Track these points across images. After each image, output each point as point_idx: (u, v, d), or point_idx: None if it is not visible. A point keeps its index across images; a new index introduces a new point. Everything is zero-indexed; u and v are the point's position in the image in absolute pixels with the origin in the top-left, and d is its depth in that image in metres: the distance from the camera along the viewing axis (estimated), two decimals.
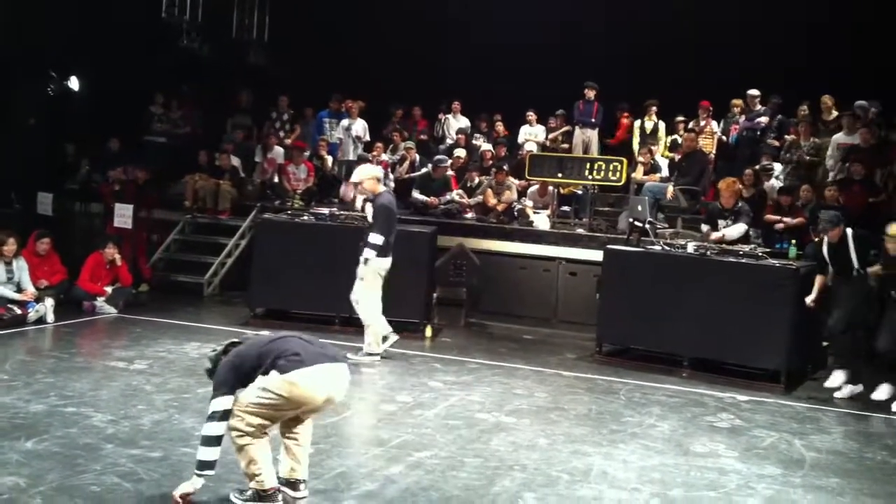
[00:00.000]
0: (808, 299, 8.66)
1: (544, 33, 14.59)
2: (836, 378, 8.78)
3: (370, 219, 9.02)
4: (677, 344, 9.25)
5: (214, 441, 4.82)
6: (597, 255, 10.56)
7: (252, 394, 4.77)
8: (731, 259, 9.20)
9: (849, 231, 8.50)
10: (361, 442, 6.25)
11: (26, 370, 7.61)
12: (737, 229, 9.84)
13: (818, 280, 8.73)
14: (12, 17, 13.40)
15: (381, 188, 9.11)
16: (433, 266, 10.90)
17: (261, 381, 4.76)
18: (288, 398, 4.74)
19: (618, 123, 14.42)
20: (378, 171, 9.54)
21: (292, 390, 4.72)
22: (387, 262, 8.94)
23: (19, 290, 9.75)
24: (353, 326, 10.12)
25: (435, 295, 10.99)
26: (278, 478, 4.96)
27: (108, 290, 10.64)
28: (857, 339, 8.63)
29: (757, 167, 12.17)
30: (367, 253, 8.78)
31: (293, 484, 5.04)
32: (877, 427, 7.79)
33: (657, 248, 9.73)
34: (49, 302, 9.78)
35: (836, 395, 8.60)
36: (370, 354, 8.89)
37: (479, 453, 6.16)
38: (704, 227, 10.22)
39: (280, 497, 4.90)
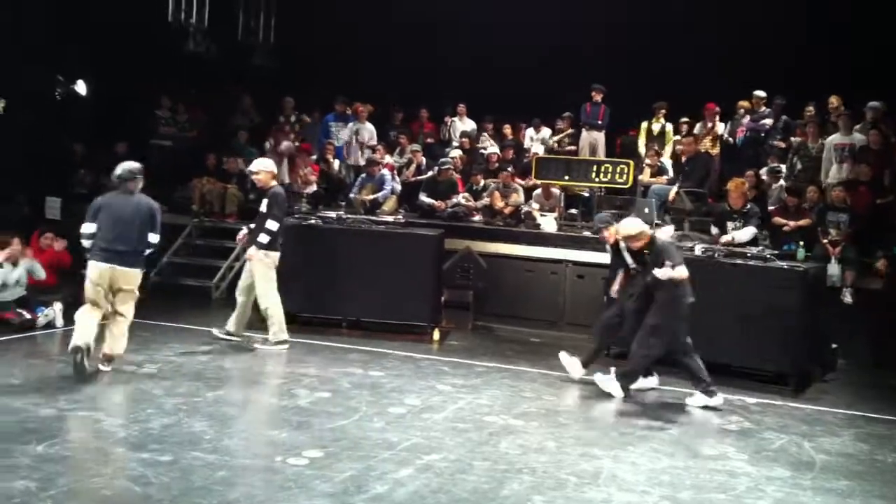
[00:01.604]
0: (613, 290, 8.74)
1: (550, 35, 14.58)
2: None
3: (263, 209, 9.27)
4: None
5: None
6: (604, 258, 10.51)
7: None
8: (740, 261, 9.19)
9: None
10: (371, 445, 6.25)
11: (36, 374, 7.65)
12: (746, 232, 9.83)
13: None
14: (19, 22, 13.47)
15: (273, 182, 9.45)
16: (440, 269, 10.90)
17: None
18: None
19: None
20: (273, 166, 9.76)
21: None
22: (277, 255, 9.25)
23: (30, 290, 9.79)
24: (361, 329, 10.17)
25: (442, 298, 10.99)
26: None
27: None
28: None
29: (764, 169, 12.16)
30: (262, 238, 9.06)
31: None
32: (887, 429, 7.75)
33: None
34: (58, 306, 9.80)
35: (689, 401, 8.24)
36: (279, 343, 9.12)
37: (487, 456, 6.16)
38: (714, 230, 10.21)
39: None
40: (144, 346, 9.08)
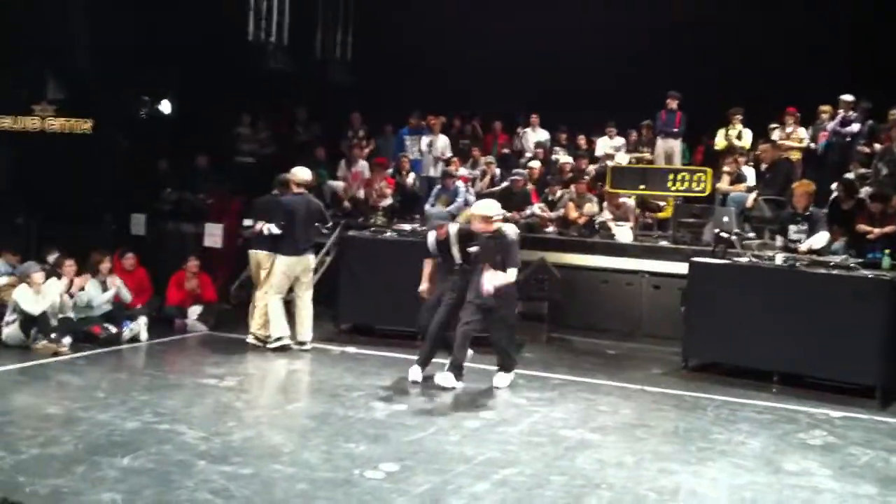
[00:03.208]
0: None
1: (622, 42, 14.49)
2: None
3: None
4: (766, 358, 9.03)
5: None
6: (681, 268, 10.39)
7: None
8: (822, 270, 8.97)
9: (453, 227, 8.54)
10: (447, 459, 6.27)
11: (122, 388, 7.88)
12: (819, 239, 9.60)
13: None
14: (104, 43, 13.94)
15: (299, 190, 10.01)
16: (515, 280, 10.86)
17: None
18: None
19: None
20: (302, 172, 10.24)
21: None
22: (291, 261, 9.76)
23: (116, 307, 10.12)
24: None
25: (517, 310, 10.96)
26: None
27: (199, 308, 10.95)
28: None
29: (852, 176, 11.84)
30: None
31: None
32: None
33: (744, 259, 9.54)
34: (143, 320, 10.11)
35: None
36: (279, 339, 9.69)
37: (564, 471, 6.13)
38: (779, 241, 10.02)
39: None
40: (225, 359, 9.31)
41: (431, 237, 8.59)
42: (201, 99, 14.97)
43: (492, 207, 8.18)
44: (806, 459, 6.68)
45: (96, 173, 13.72)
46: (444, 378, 8.20)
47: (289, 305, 9.95)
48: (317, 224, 10.23)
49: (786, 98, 13.12)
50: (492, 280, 7.84)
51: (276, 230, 9.76)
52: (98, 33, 13.96)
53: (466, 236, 8.33)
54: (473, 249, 8.13)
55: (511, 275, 7.95)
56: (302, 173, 10.10)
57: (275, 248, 9.85)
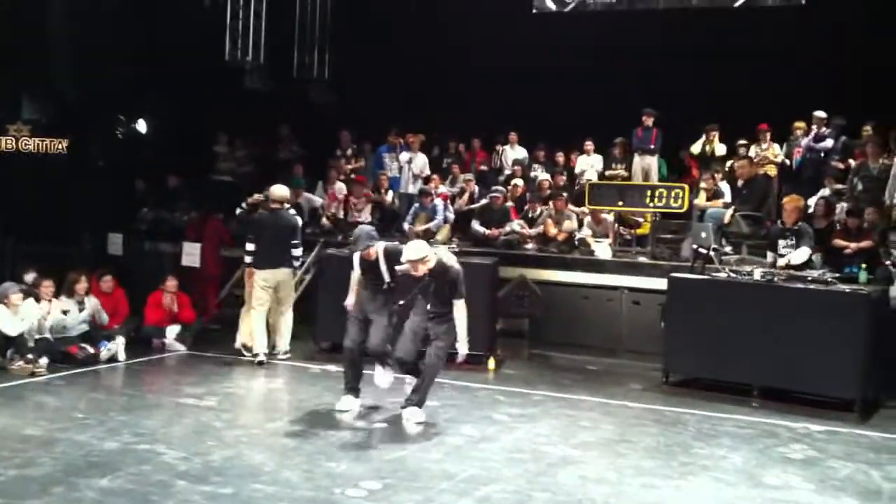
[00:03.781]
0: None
1: (600, 60, 14.61)
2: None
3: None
4: (746, 373, 9.08)
5: None
6: (661, 284, 10.44)
7: None
8: (800, 285, 9.04)
9: (380, 246, 8.00)
10: (429, 476, 6.24)
11: (100, 408, 7.81)
12: (800, 255, 9.68)
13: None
14: (82, 63, 13.90)
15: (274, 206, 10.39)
16: (495, 297, 10.89)
17: None
18: None
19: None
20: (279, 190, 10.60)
21: None
22: (265, 274, 10.13)
23: (92, 327, 10.03)
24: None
25: (497, 326, 10.97)
26: None
27: (177, 327, 10.87)
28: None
29: (827, 192, 11.96)
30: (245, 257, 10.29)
31: None
32: None
33: (723, 275, 9.60)
34: (120, 340, 10.03)
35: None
36: (256, 354, 10.01)
37: (546, 487, 6.12)
38: (770, 256, 10.07)
39: None
40: (205, 378, 9.25)
41: (356, 257, 8.10)
42: (178, 118, 14.93)
43: (420, 249, 7.59)
44: (787, 473, 6.71)
45: (73, 193, 13.64)
46: (414, 414, 7.75)
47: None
48: (293, 242, 10.33)
49: (760, 114, 13.25)
50: (461, 348, 7.63)
51: (249, 245, 10.21)
52: (75, 54, 13.93)
53: (394, 256, 7.88)
54: (402, 268, 7.68)
55: (462, 309, 7.56)
56: (279, 191, 10.49)
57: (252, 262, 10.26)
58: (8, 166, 13.57)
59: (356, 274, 8.20)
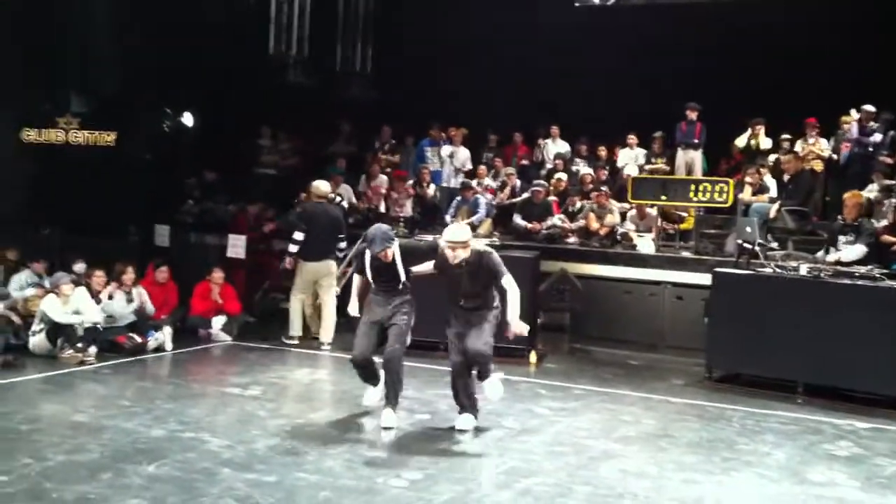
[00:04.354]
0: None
1: (642, 54, 14.52)
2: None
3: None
4: (791, 369, 8.98)
5: None
6: (704, 279, 10.36)
7: None
8: (847, 281, 8.92)
9: (395, 246, 7.22)
10: (470, 467, 6.27)
11: (146, 397, 7.94)
12: (854, 251, 9.53)
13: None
14: (127, 57, 14.11)
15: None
16: (536, 291, 10.88)
17: None
18: None
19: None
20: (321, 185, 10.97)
21: None
22: (310, 265, 10.52)
23: (140, 317, 10.20)
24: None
25: (538, 320, 10.96)
26: None
27: (223, 318, 11.01)
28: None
29: (874, 186, 11.77)
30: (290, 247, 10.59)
31: None
32: None
33: (768, 270, 9.49)
34: (167, 330, 10.18)
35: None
36: (290, 337, 10.60)
37: (587, 480, 6.11)
38: (820, 253, 9.94)
39: None
40: (249, 368, 9.36)
41: (367, 258, 7.33)
42: (223, 112, 15.10)
43: (464, 231, 7.25)
44: (832, 470, 6.63)
45: (120, 185, 13.85)
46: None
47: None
48: (339, 235, 10.69)
49: (806, 108, 13.07)
50: (519, 326, 7.03)
51: (298, 236, 10.46)
52: (122, 47, 14.14)
53: (411, 252, 7.37)
54: (421, 269, 7.22)
55: (515, 290, 7.05)
56: (322, 186, 10.91)
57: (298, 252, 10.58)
58: (57, 159, 13.85)
59: (359, 278, 7.59)
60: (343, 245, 10.76)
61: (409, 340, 7.42)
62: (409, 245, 7.58)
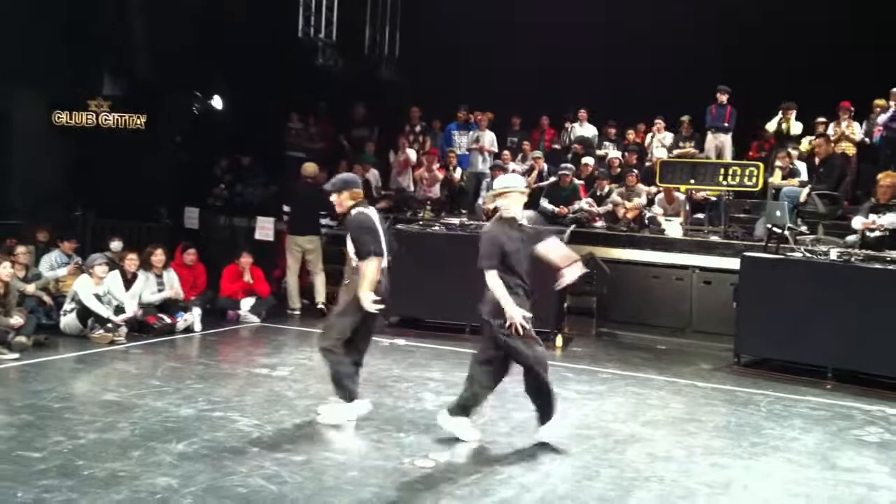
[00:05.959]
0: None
1: (672, 36, 14.38)
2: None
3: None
4: (820, 354, 8.92)
5: None
6: (733, 263, 10.29)
7: None
8: (878, 265, 8.82)
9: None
10: (497, 449, 6.29)
11: (176, 376, 8.02)
12: (891, 218, 9.42)
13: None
14: (160, 41, 14.18)
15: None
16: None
17: None
18: None
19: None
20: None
21: None
22: (298, 239, 11.82)
23: (169, 298, 10.29)
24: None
25: (565, 304, 10.94)
26: None
27: (251, 299, 11.09)
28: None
29: None
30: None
31: None
32: None
33: (798, 255, 9.41)
34: (196, 311, 10.27)
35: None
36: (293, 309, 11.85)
37: (614, 464, 6.10)
38: (855, 222, 9.85)
39: None
40: (277, 349, 9.43)
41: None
42: (252, 95, 15.15)
43: (519, 178, 6.62)
44: (861, 456, 6.58)
45: (150, 168, 13.96)
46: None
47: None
48: (321, 212, 11.80)
49: (839, 92, 12.90)
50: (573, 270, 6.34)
51: (285, 207, 12.08)
52: (152, 31, 14.21)
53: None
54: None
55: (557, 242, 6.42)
56: (308, 167, 12.24)
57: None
58: (88, 141, 13.97)
59: (374, 264, 6.72)
60: (325, 221, 12.07)
61: None
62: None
